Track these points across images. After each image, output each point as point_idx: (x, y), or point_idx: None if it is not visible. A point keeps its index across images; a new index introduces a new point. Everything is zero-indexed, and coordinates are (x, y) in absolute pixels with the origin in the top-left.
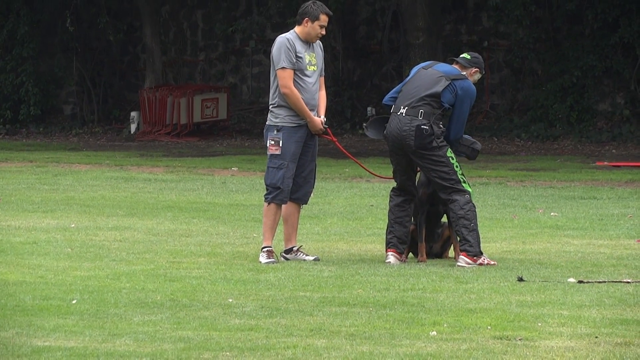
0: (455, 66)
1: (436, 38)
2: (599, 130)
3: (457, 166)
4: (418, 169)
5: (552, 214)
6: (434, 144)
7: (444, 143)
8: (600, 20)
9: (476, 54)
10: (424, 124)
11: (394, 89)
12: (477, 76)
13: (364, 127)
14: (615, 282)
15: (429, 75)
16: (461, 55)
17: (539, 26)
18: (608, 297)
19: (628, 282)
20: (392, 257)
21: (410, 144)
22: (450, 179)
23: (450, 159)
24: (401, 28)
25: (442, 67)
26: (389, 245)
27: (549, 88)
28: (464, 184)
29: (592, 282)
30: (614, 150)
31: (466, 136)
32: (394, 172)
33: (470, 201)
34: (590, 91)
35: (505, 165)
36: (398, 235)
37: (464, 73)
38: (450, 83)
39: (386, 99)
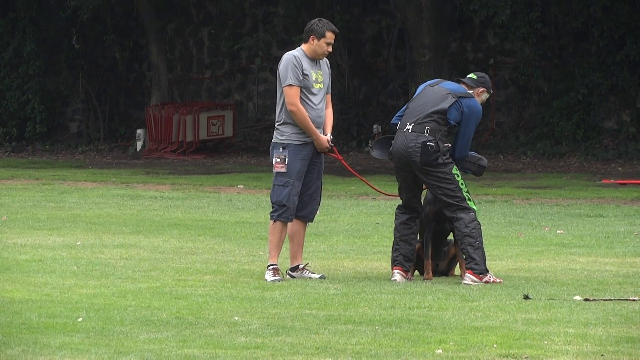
0: (462, 86)
1: (442, 56)
2: (605, 148)
3: (462, 183)
4: (424, 186)
5: (558, 231)
6: (440, 160)
7: (450, 160)
8: (606, 37)
9: (483, 74)
10: (429, 141)
11: (402, 109)
12: (485, 96)
13: (368, 146)
14: (622, 300)
15: (435, 92)
16: (468, 76)
17: (545, 44)
18: (614, 315)
19: (634, 300)
20: (398, 275)
21: (416, 161)
22: (455, 197)
23: (455, 176)
24: (407, 46)
25: (449, 84)
26: (394, 263)
27: (555, 106)
28: (469, 202)
29: (598, 300)
30: (620, 168)
31: (472, 153)
32: (399, 189)
33: (475, 219)
34: (596, 109)
35: (511, 183)
36: (404, 253)
37: (471, 92)
38: (456, 100)
39: (394, 119)
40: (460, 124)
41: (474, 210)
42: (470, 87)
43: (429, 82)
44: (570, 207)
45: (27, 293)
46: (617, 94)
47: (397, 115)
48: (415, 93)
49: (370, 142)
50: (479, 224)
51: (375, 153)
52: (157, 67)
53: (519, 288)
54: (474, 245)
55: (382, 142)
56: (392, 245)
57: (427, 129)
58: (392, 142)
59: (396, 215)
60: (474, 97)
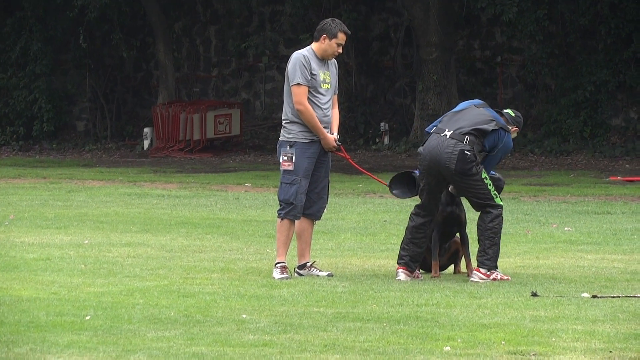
0: (502, 118)
1: (449, 54)
2: (613, 145)
3: (489, 184)
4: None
5: (565, 228)
6: (474, 170)
7: (481, 167)
8: (613, 35)
9: (519, 114)
10: (467, 150)
11: (437, 120)
12: (515, 135)
13: (388, 187)
14: (630, 296)
15: (480, 113)
16: (505, 110)
17: (552, 41)
18: (622, 312)
19: None
20: (402, 275)
21: (450, 167)
22: (485, 197)
23: (484, 179)
24: (414, 44)
25: (493, 112)
26: (400, 262)
27: (563, 103)
28: (496, 199)
29: (606, 297)
30: (627, 165)
31: (492, 172)
32: (420, 190)
33: (501, 215)
34: (603, 106)
35: (518, 181)
36: (412, 255)
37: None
38: (498, 130)
39: (430, 127)
40: (490, 152)
41: (501, 207)
42: (507, 123)
43: (474, 101)
44: (578, 204)
45: (34, 291)
46: (624, 91)
47: (433, 124)
48: (456, 107)
49: (388, 183)
50: (502, 220)
51: (397, 193)
52: (164, 66)
53: (527, 285)
54: (493, 240)
55: (399, 180)
56: (401, 243)
57: (467, 139)
58: (424, 145)
59: (411, 217)
60: (510, 132)
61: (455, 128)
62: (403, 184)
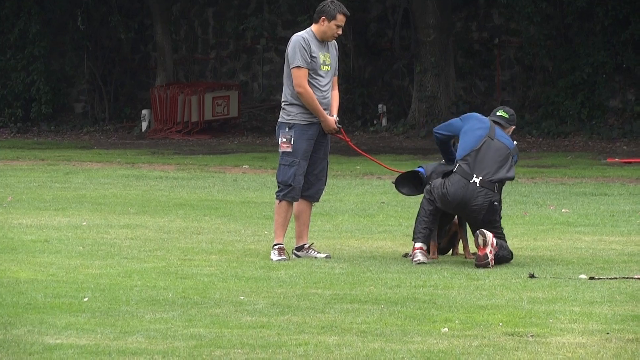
0: (497, 127)
1: (447, 35)
2: (610, 127)
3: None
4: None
5: (563, 210)
6: (498, 218)
7: (501, 206)
8: (611, 17)
9: (511, 110)
10: (496, 200)
11: (445, 125)
12: (512, 131)
13: (394, 186)
14: (627, 278)
15: (499, 149)
16: (498, 114)
17: (549, 23)
18: (619, 294)
19: (639, 279)
20: (420, 256)
21: (478, 217)
22: (497, 228)
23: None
24: (412, 25)
25: (504, 137)
26: (417, 239)
27: (560, 85)
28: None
29: (604, 278)
30: (624, 147)
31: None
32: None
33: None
34: (601, 88)
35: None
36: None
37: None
38: (513, 159)
39: (437, 130)
40: None
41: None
42: (504, 128)
43: (482, 125)
44: (575, 186)
45: (32, 273)
46: (621, 73)
47: (440, 130)
48: (466, 121)
49: (393, 182)
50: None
51: (405, 191)
52: (162, 48)
53: (525, 267)
54: (506, 257)
55: (405, 179)
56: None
57: (497, 186)
58: (450, 183)
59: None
60: (516, 148)
61: (484, 174)
62: (409, 182)
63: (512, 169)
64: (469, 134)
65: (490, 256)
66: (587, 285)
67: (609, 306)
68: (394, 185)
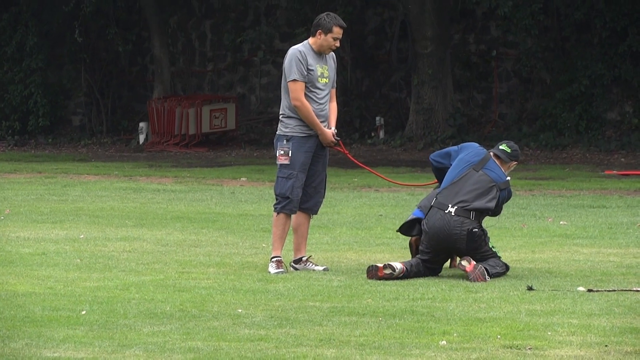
0: (496, 160)
1: (444, 47)
2: (608, 139)
3: (496, 251)
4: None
5: (561, 222)
6: (483, 244)
7: (487, 235)
8: (608, 29)
9: (514, 146)
10: (475, 228)
11: (441, 153)
12: (514, 167)
13: (402, 234)
14: (625, 290)
15: (481, 180)
16: (500, 147)
17: (547, 35)
18: (618, 306)
19: (638, 291)
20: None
21: (461, 248)
22: (489, 257)
23: (492, 248)
24: (409, 38)
25: (492, 170)
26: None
27: (558, 97)
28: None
29: (602, 290)
30: (622, 159)
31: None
32: (422, 253)
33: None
34: (598, 100)
35: (514, 174)
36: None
37: (504, 170)
38: (499, 194)
39: (434, 157)
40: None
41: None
42: (505, 162)
43: (472, 157)
44: (573, 198)
45: (30, 286)
46: (619, 85)
47: (437, 157)
48: (459, 151)
49: (398, 230)
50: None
51: (415, 232)
52: (160, 60)
53: (523, 279)
54: (500, 273)
55: (410, 225)
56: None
57: (473, 214)
58: (427, 219)
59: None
60: (510, 186)
61: (457, 201)
62: (415, 225)
63: (493, 201)
64: (458, 165)
65: (480, 265)
66: (585, 298)
67: (607, 319)
68: (400, 233)
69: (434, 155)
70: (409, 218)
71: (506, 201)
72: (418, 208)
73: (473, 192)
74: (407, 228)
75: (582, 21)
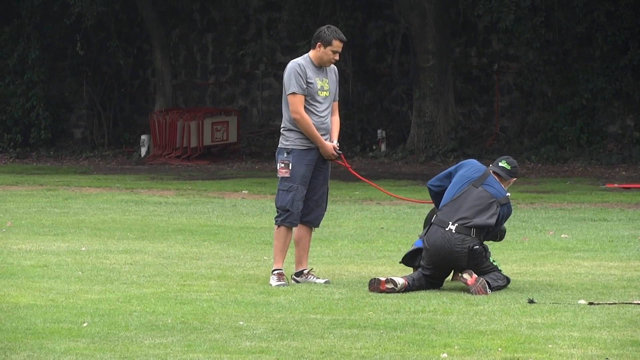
0: (495, 177)
1: (446, 61)
2: (609, 153)
3: (498, 265)
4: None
5: (562, 235)
6: (485, 260)
7: (489, 250)
8: (610, 42)
9: (514, 162)
10: (475, 245)
11: (438, 177)
12: (513, 182)
13: (404, 264)
14: (626, 303)
15: (481, 197)
16: (500, 165)
17: (548, 49)
18: (619, 319)
19: (639, 304)
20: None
21: (463, 265)
22: (490, 271)
23: (493, 262)
24: (411, 51)
25: (491, 186)
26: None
27: (559, 110)
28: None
29: (603, 303)
30: (624, 172)
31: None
32: (424, 269)
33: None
34: (600, 113)
35: (515, 188)
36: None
37: (504, 186)
38: (500, 209)
39: (431, 183)
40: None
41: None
42: (504, 179)
43: (472, 173)
44: (575, 212)
45: (32, 298)
46: (620, 99)
47: (435, 183)
48: (458, 168)
49: (400, 261)
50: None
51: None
52: (161, 73)
53: (524, 292)
54: (501, 286)
55: (413, 255)
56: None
57: (473, 231)
58: (427, 236)
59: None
60: (510, 202)
61: (457, 218)
62: (416, 256)
63: (494, 217)
64: (458, 182)
65: (482, 278)
66: (587, 311)
67: (608, 331)
68: (404, 264)
69: (433, 181)
70: (411, 249)
71: (507, 217)
72: (420, 238)
73: (473, 208)
74: (409, 258)
75: (583, 35)
